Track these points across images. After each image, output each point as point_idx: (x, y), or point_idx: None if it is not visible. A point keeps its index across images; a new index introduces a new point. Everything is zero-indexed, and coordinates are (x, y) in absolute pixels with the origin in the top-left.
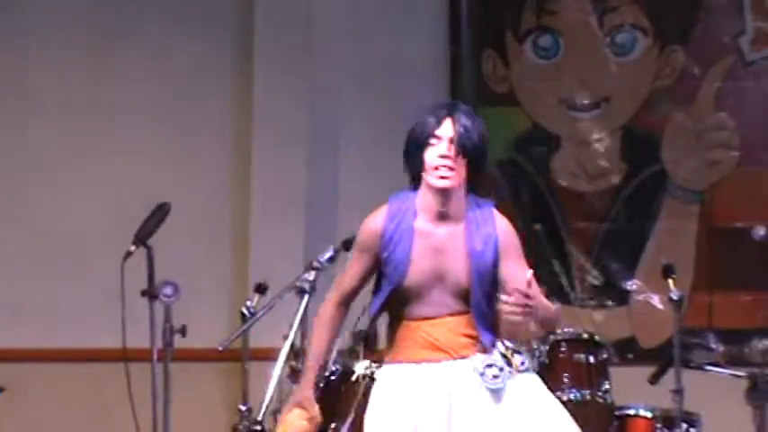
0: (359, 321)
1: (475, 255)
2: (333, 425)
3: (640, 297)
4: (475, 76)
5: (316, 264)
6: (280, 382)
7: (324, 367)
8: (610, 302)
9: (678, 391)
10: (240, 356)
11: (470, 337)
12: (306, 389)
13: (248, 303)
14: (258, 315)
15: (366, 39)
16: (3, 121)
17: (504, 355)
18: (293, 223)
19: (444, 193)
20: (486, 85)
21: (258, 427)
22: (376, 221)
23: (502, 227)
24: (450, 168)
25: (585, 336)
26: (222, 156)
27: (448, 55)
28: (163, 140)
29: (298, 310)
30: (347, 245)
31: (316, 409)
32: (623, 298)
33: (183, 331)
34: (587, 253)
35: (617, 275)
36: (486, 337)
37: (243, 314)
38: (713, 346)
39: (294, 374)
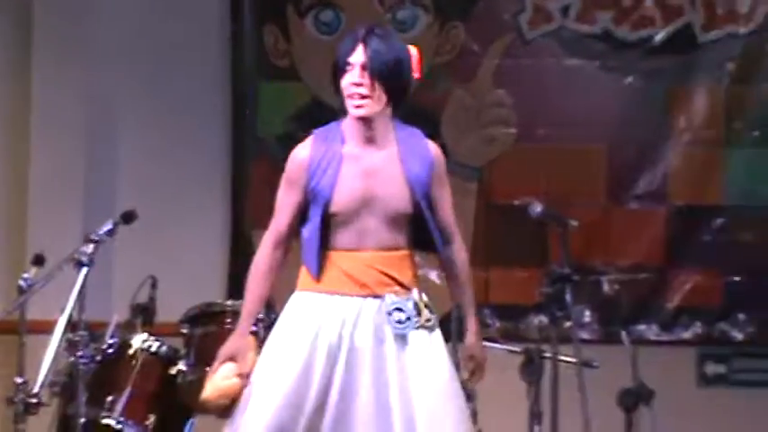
0: (137, 294)
1: (413, 177)
2: (110, 398)
3: (419, 272)
4: (257, 50)
5: (94, 236)
6: (56, 355)
7: (260, 316)
8: None
9: (455, 365)
10: (17, 329)
11: (388, 275)
12: (238, 339)
13: (25, 275)
14: (35, 287)
15: (146, 19)
16: None
17: (416, 304)
18: (71, 197)
19: (365, 120)
20: (268, 59)
21: (34, 400)
22: (301, 151)
23: (434, 150)
24: (363, 96)
25: None
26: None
27: (229, 31)
28: None
29: (75, 283)
30: (126, 218)
31: (247, 361)
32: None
33: None
34: None
35: None
36: (405, 278)
37: (20, 286)
38: (489, 321)
39: (71, 347)
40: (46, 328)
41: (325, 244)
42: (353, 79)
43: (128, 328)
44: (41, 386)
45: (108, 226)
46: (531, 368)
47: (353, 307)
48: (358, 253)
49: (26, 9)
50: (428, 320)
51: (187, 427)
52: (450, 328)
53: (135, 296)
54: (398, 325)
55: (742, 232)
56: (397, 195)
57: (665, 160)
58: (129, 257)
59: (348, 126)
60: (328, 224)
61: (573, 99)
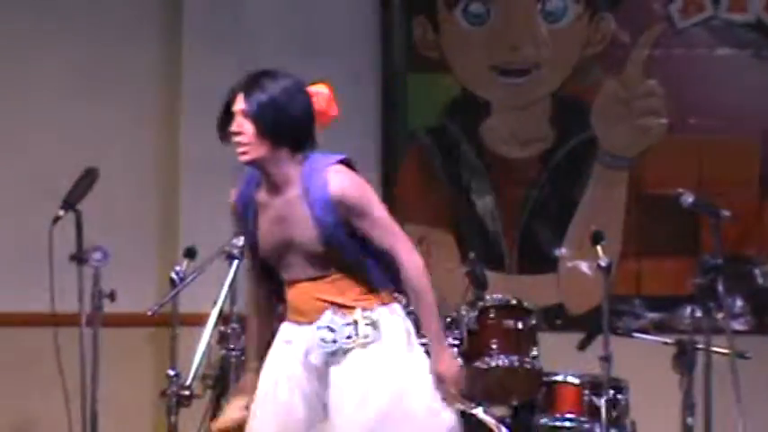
0: None
1: (317, 220)
2: None
3: (569, 264)
4: (406, 42)
5: None
6: (208, 348)
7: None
8: (539, 269)
9: (606, 358)
10: (169, 321)
11: (326, 300)
12: (245, 375)
13: (177, 268)
14: (187, 280)
15: (295, 10)
16: None
17: (349, 324)
18: (222, 188)
19: (262, 168)
20: (417, 50)
21: (186, 392)
22: (232, 198)
23: (334, 187)
24: (242, 144)
25: (514, 302)
26: (152, 120)
27: (378, 21)
28: (92, 105)
29: (227, 276)
30: None
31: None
32: (552, 265)
33: (112, 296)
34: (517, 220)
35: (546, 242)
36: (346, 299)
37: (172, 279)
38: (641, 313)
39: (223, 339)
40: (198, 321)
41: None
42: (232, 128)
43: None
44: (193, 378)
45: None
46: (683, 359)
47: (301, 334)
48: (297, 284)
49: None
50: (366, 337)
51: None
52: (602, 321)
53: None
54: (323, 344)
55: None
56: (309, 237)
57: None
58: None
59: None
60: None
61: (725, 89)
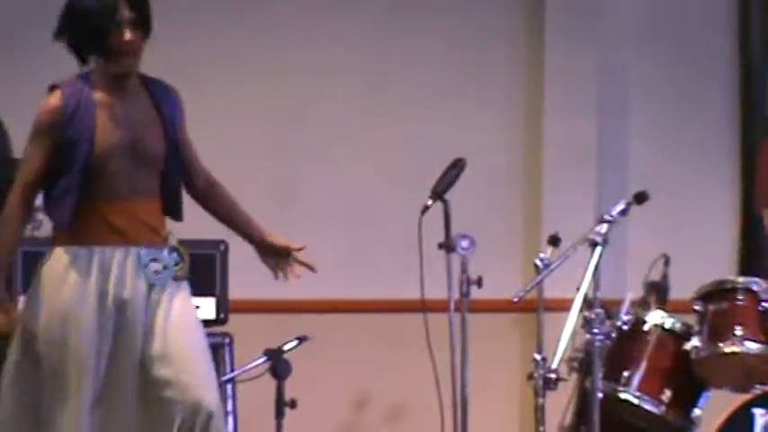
0: (650, 272)
1: (167, 121)
2: (626, 373)
3: None
4: (764, 32)
5: (607, 217)
6: (573, 332)
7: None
8: None
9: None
10: (534, 307)
11: (152, 226)
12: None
13: (542, 255)
14: (552, 267)
15: None
16: (293, 90)
17: (179, 253)
18: (584, 175)
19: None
20: None
21: (553, 375)
22: (53, 100)
23: (178, 95)
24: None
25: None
26: (513, 109)
27: (737, 6)
28: (459, 100)
29: (590, 262)
30: (639, 198)
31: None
32: None
33: (479, 282)
34: None
35: None
36: (166, 228)
37: (536, 266)
38: None
39: (587, 324)
40: (562, 306)
41: (85, 196)
42: (127, 37)
43: (642, 306)
44: (559, 362)
45: (621, 206)
46: None
47: (114, 259)
48: (123, 203)
49: None
50: (181, 269)
51: (701, 400)
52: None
53: (648, 274)
54: (156, 276)
55: None
56: (159, 141)
57: None
58: (641, 236)
59: (98, 74)
60: (86, 176)
61: None
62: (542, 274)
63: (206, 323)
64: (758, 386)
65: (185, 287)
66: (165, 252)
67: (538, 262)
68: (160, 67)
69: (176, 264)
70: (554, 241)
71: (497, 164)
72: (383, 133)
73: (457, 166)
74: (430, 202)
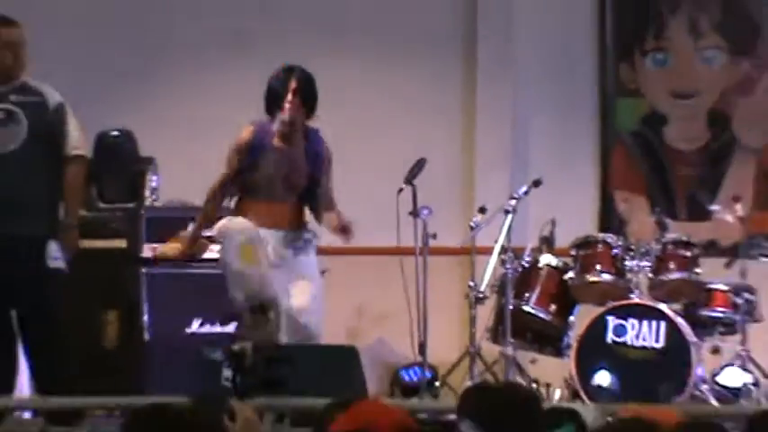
0: (543, 230)
1: (311, 166)
2: (527, 294)
3: (718, 215)
4: (615, 78)
5: (516, 195)
6: (494, 268)
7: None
8: (700, 218)
9: (743, 273)
10: (470, 252)
11: (295, 218)
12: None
13: (475, 219)
14: (480, 227)
15: None
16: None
17: (311, 233)
18: (502, 168)
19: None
20: (622, 83)
21: (481, 295)
22: (245, 134)
23: (324, 149)
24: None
25: (685, 238)
26: (456, 126)
27: (596, 66)
28: (418, 118)
29: (504, 224)
30: (536, 183)
31: (186, 244)
32: (708, 215)
33: (434, 236)
34: (686, 187)
35: (704, 201)
36: (302, 221)
37: (471, 226)
38: (765, 246)
39: (503, 263)
40: (487, 251)
41: (249, 195)
42: (286, 116)
43: (537, 251)
44: (485, 287)
45: (524, 188)
46: None
47: (274, 235)
48: (271, 204)
49: None
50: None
51: (575, 311)
52: (740, 249)
53: (542, 231)
54: (295, 244)
55: None
56: (299, 176)
57: None
58: (537, 207)
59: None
60: (253, 186)
61: None
62: (474, 231)
63: None
64: (610, 302)
65: (311, 252)
66: (307, 232)
67: (472, 224)
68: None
69: (304, 240)
70: (482, 210)
71: (447, 161)
72: (376, 142)
73: (421, 163)
74: (403, 185)
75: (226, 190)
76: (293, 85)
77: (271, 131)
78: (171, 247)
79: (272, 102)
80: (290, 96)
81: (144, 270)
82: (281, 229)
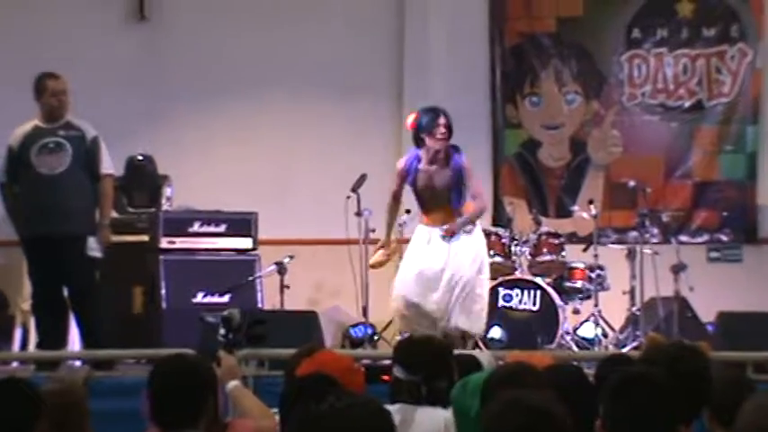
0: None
1: (453, 175)
2: None
3: (577, 214)
4: (504, 115)
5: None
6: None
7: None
8: (564, 216)
9: (596, 255)
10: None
11: (444, 220)
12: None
13: (402, 219)
14: (405, 227)
15: None
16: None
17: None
18: None
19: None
20: (508, 118)
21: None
22: (401, 163)
23: (461, 161)
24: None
25: (553, 231)
26: (386, 151)
27: (489, 105)
28: (356, 141)
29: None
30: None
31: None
32: (570, 214)
33: (373, 231)
34: (555, 193)
35: (567, 203)
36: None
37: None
38: (610, 235)
39: None
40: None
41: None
42: (436, 145)
43: None
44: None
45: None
46: (632, 256)
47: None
48: (426, 209)
49: None
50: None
51: None
52: (593, 238)
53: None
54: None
55: None
56: (441, 185)
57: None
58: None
59: (423, 153)
60: (418, 198)
61: (648, 135)
62: (402, 227)
63: (245, 251)
64: (500, 277)
65: (465, 239)
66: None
67: (400, 221)
68: None
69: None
70: (408, 212)
71: (382, 175)
72: (330, 163)
73: (363, 177)
74: (350, 194)
75: (397, 201)
76: (442, 121)
77: (418, 156)
78: (379, 258)
79: (418, 135)
80: (438, 130)
81: (161, 257)
82: (434, 226)
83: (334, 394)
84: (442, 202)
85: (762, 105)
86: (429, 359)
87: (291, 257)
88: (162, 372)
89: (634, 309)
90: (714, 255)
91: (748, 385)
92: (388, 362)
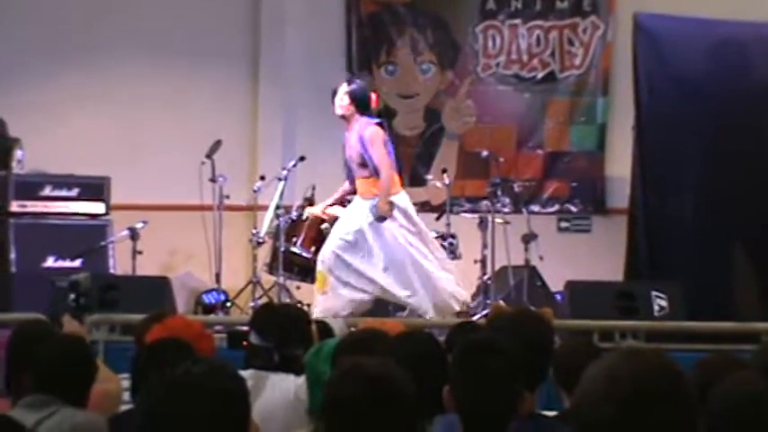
0: (306, 192)
1: (359, 144)
2: (295, 239)
3: (431, 183)
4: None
5: (286, 166)
6: (271, 219)
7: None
8: (419, 184)
9: (449, 224)
10: (252, 209)
11: (361, 192)
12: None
13: (257, 185)
14: (260, 190)
15: None
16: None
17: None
18: (276, 149)
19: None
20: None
21: (261, 240)
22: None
23: (362, 132)
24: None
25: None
26: (247, 120)
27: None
28: (222, 117)
29: (278, 187)
30: (302, 158)
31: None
32: (424, 182)
33: (228, 197)
34: (409, 161)
35: (422, 172)
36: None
37: (254, 190)
38: (462, 203)
39: (277, 216)
40: (265, 208)
41: None
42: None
43: (302, 208)
44: (264, 233)
45: (293, 162)
46: (483, 225)
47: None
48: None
49: None
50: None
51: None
52: (445, 208)
53: (305, 193)
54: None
55: None
56: (352, 153)
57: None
58: (300, 176)
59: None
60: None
61: (502, 105)
62: (257, 193)
63: (98, 215)
64: None
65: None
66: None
67: (255, 188)
68: None
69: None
70: (262, 178)
71: (237, 142)
72: (187, 129)
73: (218, 143)
74: (205, 160)
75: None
76: (342, 88)
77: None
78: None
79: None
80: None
81: (12, 221)
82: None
83: (189, 359)
84: (355, 172)
85: (612, 78)
86: (283, 326)
87: (145, 223)
88: (20, 335)
89: (485, 277)
90: (564, 225)
91: (592, 352)
92: (241, 327)
